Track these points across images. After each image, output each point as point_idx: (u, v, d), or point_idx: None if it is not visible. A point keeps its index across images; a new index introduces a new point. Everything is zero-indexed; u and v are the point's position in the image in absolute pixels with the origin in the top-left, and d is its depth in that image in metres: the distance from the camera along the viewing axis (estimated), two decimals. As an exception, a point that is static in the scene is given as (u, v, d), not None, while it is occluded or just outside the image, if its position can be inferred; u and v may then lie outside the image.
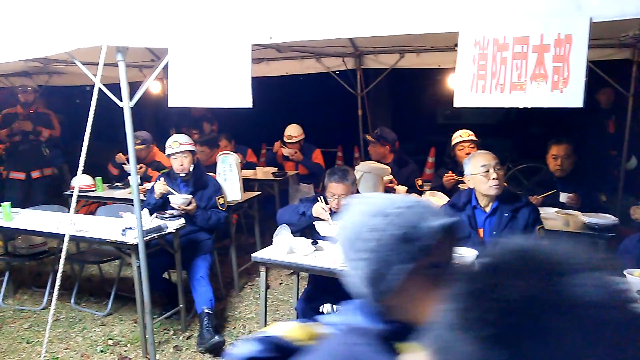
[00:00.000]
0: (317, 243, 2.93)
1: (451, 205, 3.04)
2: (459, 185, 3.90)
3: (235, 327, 3.85)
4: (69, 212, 4.53)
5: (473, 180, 2.87)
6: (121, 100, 2.84)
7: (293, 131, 5.59)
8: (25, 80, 6.78)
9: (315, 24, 2.37)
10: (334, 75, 5.60)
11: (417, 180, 4.39)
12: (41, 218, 4.08)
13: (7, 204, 3.97)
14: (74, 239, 3.60)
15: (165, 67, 2.72)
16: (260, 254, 2.86)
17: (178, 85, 2.67)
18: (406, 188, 4.04)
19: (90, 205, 5.50)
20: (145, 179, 4.96)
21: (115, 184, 5.12)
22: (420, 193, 4.07)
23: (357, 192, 3.18)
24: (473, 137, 4.28)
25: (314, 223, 3.00)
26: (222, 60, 2.55)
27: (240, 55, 2.51)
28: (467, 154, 3.84)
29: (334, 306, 3.75)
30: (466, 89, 2.13)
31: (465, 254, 2.64)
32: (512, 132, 10.30)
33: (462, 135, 4.29)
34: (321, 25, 2.37)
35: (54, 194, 6.09)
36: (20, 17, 2.95)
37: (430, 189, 4.17)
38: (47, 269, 4.86)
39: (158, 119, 8.93)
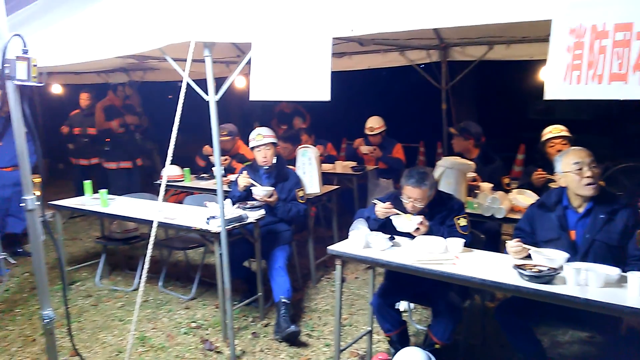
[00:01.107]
0: (393, 238, 2.87)
1: (540, 204, 2.86)
2: (550, 184, 3.66)
3: (311, 319, 3.89)
4: (156, 200, 4.82)
5: (565, 178, 2.67)
6: (207, 94, 2.95)
7: (375, 123, 5.54)
8: (122, 76, 7.31)
9: (399, 15, 2.31)
10: (417, 69, 5.47)
11: (504, 178, 4.18)
12: (134, 205, 4.36)
13: (104, 191, 4.28)
14: (162, 225, 3.81)
15: (250, 62, 2.78)
16: (336, 247, 2.86)
17: (259, 79, 2.71)
18: (491, 185, 3.85)
19: (178, 194, 5.80)
20: (229, 170, 5.15)
21: (202, 175, 5.35)
22: (507, 191, 3.87)
23: (437, 191, 3.06)
24: (566, 133, 4.00)
25: (390, 217, 2.95)
26: (302, 54, 2.56)
27: (320, 49, 2.51)
28: (559, 151, 3.58)
29: (410, 303, 3.69)
30: (559, 80, 1.97)
31: (555, 257, 2.47)
32: (613, 129, 9.53)
33: (553, 131, 4.03)
34: (405, 16, 2.30)
35: (147, 183, 6.52)
36: (117, 16, 3.15)
37: (518, 187, 3.95)
38: (139, 253, 5.19)
39: (243, 114, 9.24)
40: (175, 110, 2.72)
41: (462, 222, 2.96)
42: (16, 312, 4.13)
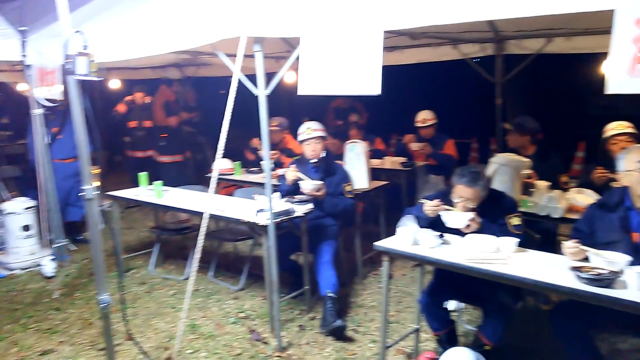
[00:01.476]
0: (443, 236, 2.81)
1: (600, 205, 2.72)
2: (611, 184, 3.48)
3: (357, 314, 3.88)
4: (206, 192, 4.94)
5: (628, 177, 2.53)
6: (257, 89, 2.99)
7: (426, 115, 5.46)
8: (175, 71, 7.53)
9: (452, 8, 2.25)
10: (471, 63, 5.31)
11: (562, 176, 4.00)
12: (186, 197, 4.48)
13: (158, 182, 4.43)
14: (213, 217, 3.90)
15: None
16: (383, 243, 2.83)
17: (308, 74, 2.72)
18: (548, 184, 3.70)
19: (229, 187, 5.92)
20: (277, 164, 5.20)
21: (251, 169, 5.44)
22: (565, 190, 3.70)
23: (489, 190, 2.96)
24: (631, 130, 3.78)
25: (439, 214, 2.88)
26: (353, 48, 2.54)
27: (371, 42, 2.48)
28: (622, 148, 3.39)
29: (460, 303, 3.60)
30: (622, 73, 1.86)
31: (616, 259, 2.34)
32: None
33: (617, 128, 3.82)
34: (459, 8, 2.24)
35: (198, 176, 6.70)
36: (171, 13, 3.23)
37: (577, 186, 3.77)
38: (190, 243, 5.33)
39: (292, 109, 9.30)
40: (226, 105, 2.77)
41: (515, 221, 2.86)
42: (75, 296, 4.34)
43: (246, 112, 4.80)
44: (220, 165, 5.27)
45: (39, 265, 4.91)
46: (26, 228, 4.94)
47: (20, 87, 5.70)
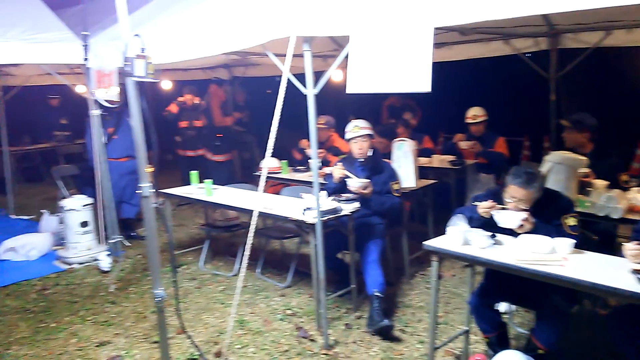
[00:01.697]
0: (495, 236, 2.74)
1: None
2: (676, 183, 3.30)
3: (404, 314, 3.84)
4: (255, 191, 5.02)
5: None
6: (306, 88, 3.01)
7: (477, 111, 5.35)
8: (224, 72, 7.69)
9: (505, 2, 2.19)
10: (523, 58, 5.14)
11: (622, 175, 3.82)
12: (235, 195, 4.57)
13: (209, 181, 4.54)
14: (261, 215, 3.96)
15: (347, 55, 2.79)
16: (432, 243, 2.79)
17: (357, 72, 2.71)
18: (607, 183, 3.54)
19: (276, 185, 5.99)
20: (324, 163, 5.22)
21: (298, 167, 5.48)
22: (625, 190, 3.54)
23: (544, 190, 2.86)
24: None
25: (492, 213, 2.81)
26: (402, 45, 2.51)
27: (421, 39, 2.45)
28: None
29: (511, 305, 3.51)
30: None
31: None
32: None
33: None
34: (512, 2, 2.17)
35: (245, 174, 6.82)
36: (222, 14, 3.30)
37: (638, 185, 3.59)
38: (239, 240, 5.44)
39: (338, 107, 9.30)
40: (272, 105, 2.80)
41: (571, 221, 2.76)
42: (130, 290, 4.50)
43: (293, 111, 4.85)
44: (268, 163, 5.36)
45: (95, 260, 5.12)
46: (84, 224, 5.16)
47: (79, 89, 5.97)
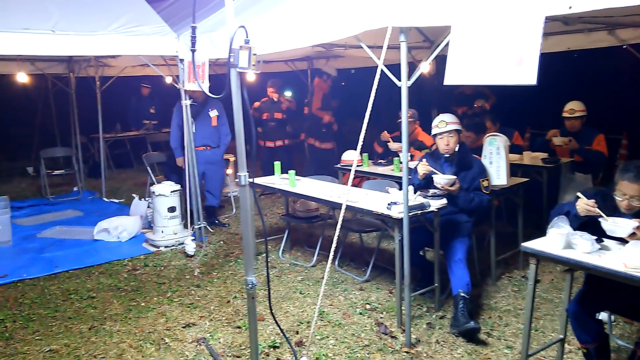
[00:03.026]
0: (602, 241, 2.55)
1: None
2: None
3: (490, 317, 3.69)
4: (338, 183, 5.02)
5: None
6: (399, 80, 2.94)
7: (576, 105, 5.03)
8: (304, 64, 7.72)
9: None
10: (630, 49, 4.74)
11: None
12: (317, 186, 4.58)
13: (292, 172, 4.58)
14: (347, 209, 3.95)
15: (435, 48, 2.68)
16: (531, 245, 2.63)
17: (456, 63, 2.60)
18: None
19: (354, 178, 5.97)
20: (406, 157, 5.12)
21: (379, 161, 5.42)
22: None
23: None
24: None
25: (599, 220, 2.62)
26: (508, 35, 2.38)
27: (530, 29, 2.31)
28: None
29: (611, 315, 3.27)
30: None
31: None
32: None
33: None
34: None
35: (324, 166, 6.84)
36: (314, 4, 3.28)
37: None
38: (317, 231, 5.48)
39: (420, 100, 9.10)
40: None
41: None
42: (213, 275, 4.66)
43: (374, 104, 4.79)
44: (349, 156, 5.34)
45: (181, 244, 5.35)
46: (172, 209, 5.39)
47: (168, 80, 6.22)
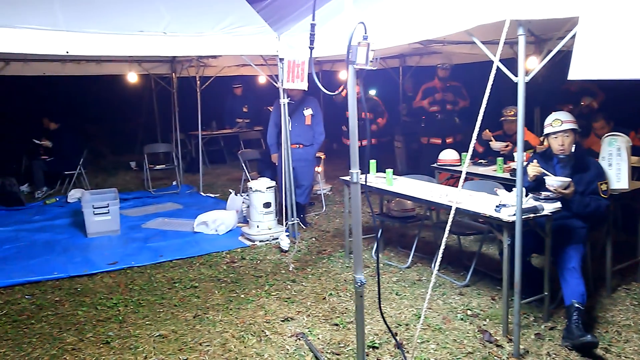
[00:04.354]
0: None
1: None
2: None
3: (607, 331, 3.41)
4: (434, 183, 4.87)
5: None
6: (516, 76, 2.78)
7: None
8: (394, 61, 7.59)
9: None
10: None
11: None
12: (414, 186, 4.47)
13: (390, 170, 4.51)
14: (444, 208, 3.83)
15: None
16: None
17: (584, 56, 2.41)
18: None
19: (449, 179, 5.78)
20: (509, 157, 4.88)
21: (479, 160, 5.20)
22: None
23: None
24: None
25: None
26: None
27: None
28: None
29: None
30: None
31: None
32: None
33: None
34: None
35: (411, 165, 6.68)
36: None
37: None
38: (410, 232, 5.37)
39: (527, 97, 8.67)
40: None
41: None
42: (307, 271, 4.70)
43: (474, 101, 4.59)
44: (447, 155, 5.18)
45: (275, 239, 5.46)
46: (267, 205, 5.52)
47: (262, 80, 6.37)
